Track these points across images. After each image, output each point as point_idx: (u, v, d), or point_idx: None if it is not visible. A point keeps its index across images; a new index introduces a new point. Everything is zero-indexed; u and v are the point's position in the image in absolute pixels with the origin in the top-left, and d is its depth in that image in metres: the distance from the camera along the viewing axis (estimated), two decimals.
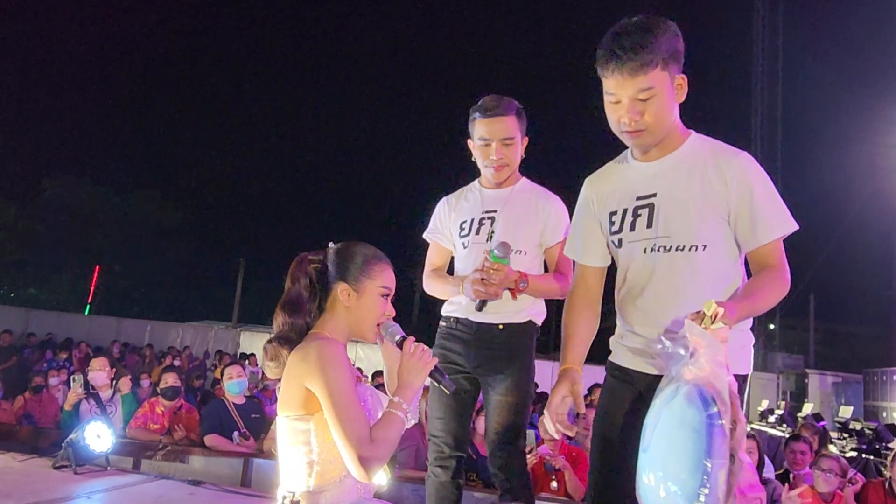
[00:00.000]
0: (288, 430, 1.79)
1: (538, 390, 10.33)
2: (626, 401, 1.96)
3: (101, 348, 13.58)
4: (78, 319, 21.41)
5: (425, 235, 2.87)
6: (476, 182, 2.82)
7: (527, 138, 2.71)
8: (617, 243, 1.98)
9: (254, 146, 42.96)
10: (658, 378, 1.69)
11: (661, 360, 1.72)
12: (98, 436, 3.87)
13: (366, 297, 1.90)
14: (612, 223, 2.00)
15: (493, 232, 2.62)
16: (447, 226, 2.79)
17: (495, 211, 2.66)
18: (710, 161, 1.87)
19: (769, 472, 4.73)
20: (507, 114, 2.59)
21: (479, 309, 2.53)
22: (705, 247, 1.85)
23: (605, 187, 2.06)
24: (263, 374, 9.62)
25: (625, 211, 1.96)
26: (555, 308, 2.68)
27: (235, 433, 4.60)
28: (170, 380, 5.15)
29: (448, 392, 1.82)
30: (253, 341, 19.44)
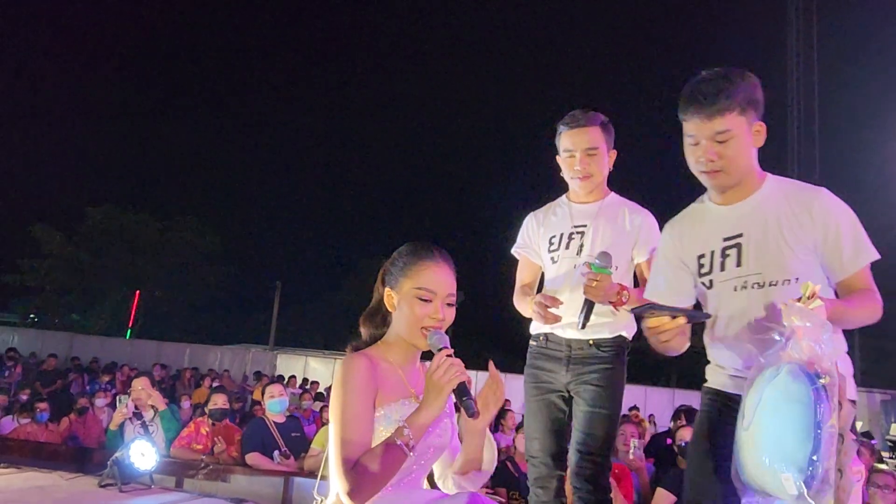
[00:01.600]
0: (328, 436, 1.75)
1: None
2: (724, 422, 1.94)
3: (142, 371, 13.81)
4: (120, 343, 21.85)
5: (514, 251, 2.83)
6: (564, 197, 2.79)
7: (615, 151, 2.68)
8: (708, 284, 2.05)
9: (290, 173, 43.61)
10: None
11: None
12: (142, 454, 3.92)
13: (402, 299, 1.77)
14: (700, 265, 2.07)
15: (582, 246, 2.60)
16: (536, 241, 2.76)
17: (585, 225, 2.64)
18: (793, 198, 1.96)
19: None
20: (592, 124, 2.58)
21: (583, 326, 2.44)
22: (797, 279, 1.90)
23: (687, 231, 2.14)
24: (302, 394, 9.69)
25: (713, 252, 2.04)
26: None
27: (276, 452, 4.62)
28: (219, 401, 5.19)
29: (468, 414, 1.63)
30: (289, 363, 19.61)
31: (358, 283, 33.14)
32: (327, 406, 8.41)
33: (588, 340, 2.57)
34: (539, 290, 2.76)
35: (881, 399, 17.53)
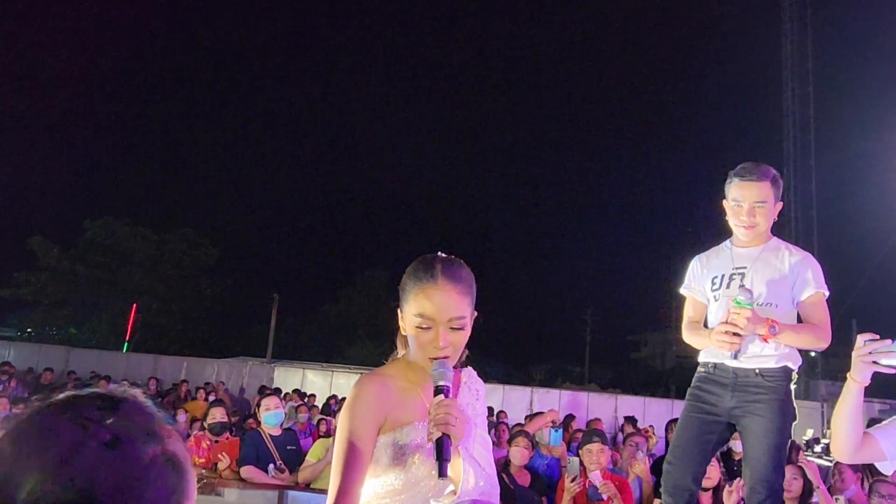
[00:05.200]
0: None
1: (574, 418, 10.17)
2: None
3: (139, 385, 13.75)
4: (116, 357, 21.74)
5: (682, 290, 3.04)
6: (728, 241, 2.98)
7: (781, 203, 2.84)
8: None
9: (288, 185, 43.61)
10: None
11: None
12: None
13: (406, 325, 1.66)
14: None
15: (742, 285, 2.74)
16: (700, 281, 2.97)
17: (745, 267, 2.83)
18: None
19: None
20: (763, 179, 2.74)
21: (735, 357, 2.70)
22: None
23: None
24: (298, 408, 9.65)
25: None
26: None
27: (271, 465, 4.59)
28: (217, 415, 5.17)
29: (437, 474, 1.49)
30: (287, 376, 19.51)
31: (356, 296, 33.09)
32: (325, 419, 8.37)
33: (754, 370, 2.72)
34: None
35: (879, 409, 17.53)
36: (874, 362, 2.01)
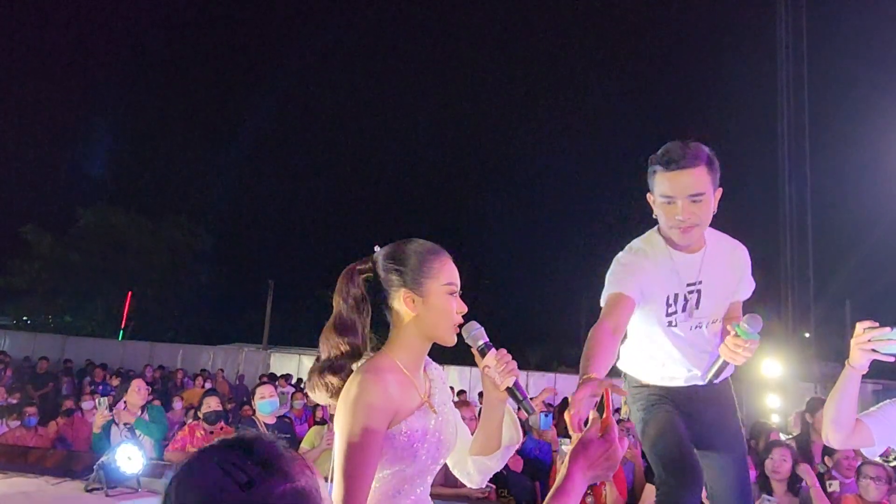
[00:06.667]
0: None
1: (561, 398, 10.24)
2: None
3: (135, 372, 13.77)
4: (112, 345, 21.78)
5: (617, 290, 2.30)
6: (659, 239, 2.44)
7: (720, 190, 2.33)
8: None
9: (282, 171, 43.48)
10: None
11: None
12: (129, 458, 3.91)
13: (432, 299, 1.67)
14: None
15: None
16: (645, 284, 2.35)
17: (699, 282, 2.39)
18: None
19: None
20: (696, 164, 2.22)
21: (709, 382, 2.42)
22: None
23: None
24: (294, 394, 9.68)
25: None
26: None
27: None
28: (212, 404, 5.17)
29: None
30: (283, 363, 19.58)
31: None
32: (320, 405, 8.39)
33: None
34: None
35: (872, 389, 17.69)
36: (873, 350, 2.00)
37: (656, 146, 2.34)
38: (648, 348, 2.55)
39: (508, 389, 1.70)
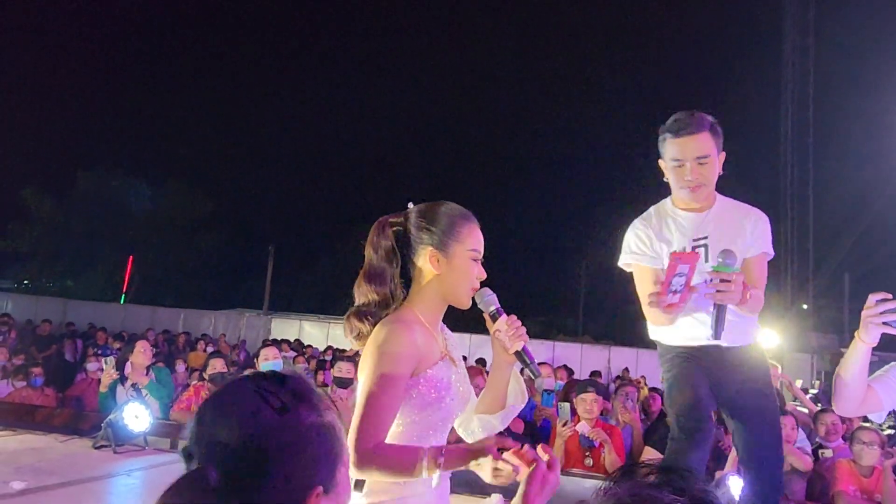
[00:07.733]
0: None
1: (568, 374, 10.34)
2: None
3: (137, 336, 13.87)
4: (113, 309, 21.89)
5: (628, 261, 2.71)
6: (669, 204, 2.72)
7: (724, 153, 2.59)
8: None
9: (283, 136, 43.25)
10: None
11: None
12: (136, 417, 3.97)
13: (456, 261, 1.75)
14: None
15: (725, 249, 2.40)
16: (654, 247, 2.66)
17: (706, 237, 2.59)
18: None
19: (802, 442, 4.71)
20: (701, 130, 2.49)
21: (718, 336, 2.42)
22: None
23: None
24: (295, 357, 9.77)
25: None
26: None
27: None
28: (218, 365, 5.23)
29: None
30: (284, 328, 19.69)
31: (352, 247, 32.78)
32: (322, 369, 8.46)
33: (739, 347, 2.60)
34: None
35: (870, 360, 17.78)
36: (884, 323, 1.96)
37: (652, 114, 2.39)
38: None
39: (517, 353, 1.76)
